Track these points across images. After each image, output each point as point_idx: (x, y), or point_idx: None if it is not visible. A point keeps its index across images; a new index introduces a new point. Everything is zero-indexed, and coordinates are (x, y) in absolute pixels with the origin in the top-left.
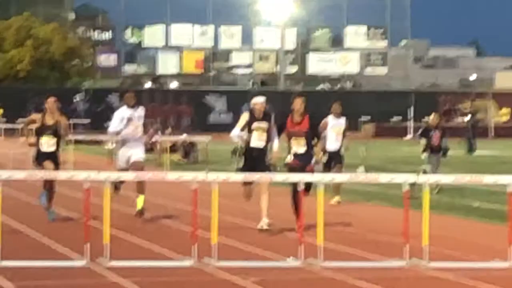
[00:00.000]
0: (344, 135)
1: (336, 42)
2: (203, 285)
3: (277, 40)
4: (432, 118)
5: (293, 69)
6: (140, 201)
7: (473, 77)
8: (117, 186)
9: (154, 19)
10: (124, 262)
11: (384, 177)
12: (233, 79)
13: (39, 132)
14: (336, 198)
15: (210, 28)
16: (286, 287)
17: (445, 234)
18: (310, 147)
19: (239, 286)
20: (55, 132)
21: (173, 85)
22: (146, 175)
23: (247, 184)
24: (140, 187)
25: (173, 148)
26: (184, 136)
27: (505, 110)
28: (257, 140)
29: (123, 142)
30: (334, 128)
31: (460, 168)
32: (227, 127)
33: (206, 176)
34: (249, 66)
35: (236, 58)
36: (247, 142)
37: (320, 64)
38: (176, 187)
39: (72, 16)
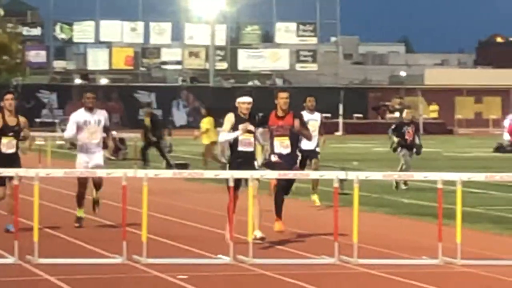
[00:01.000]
0: (320, 132)
1: (266, 39)
2: (132, 282)
3: (207, 36)
4: (405, 114)
5: (223, 65)
6: (81, 211)
7: (403, 73)
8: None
9: (84, 16)
10: (53, 260)
11: (314, 174)
12: (163, 75)
13: None
14: (315, 197)
15: (140, 25)
16: (215, 284)
17: (375, 231)
18: (295, 147)
19: (167, 282)
20: (17, 132)
21: (103, 81)
22: (76, 173)
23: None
24: (82, 200)
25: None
26: (113, 133)
27: (433, 107)
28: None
29: (81, 148)
30: (308, 124)
31: (390, 165)
32: None
33: (135, 172)
34: (179, 62)
35: (166, 54)
36: (234, 145)
37: (251, 60)
38: (106, 183)
39: (0, 12)
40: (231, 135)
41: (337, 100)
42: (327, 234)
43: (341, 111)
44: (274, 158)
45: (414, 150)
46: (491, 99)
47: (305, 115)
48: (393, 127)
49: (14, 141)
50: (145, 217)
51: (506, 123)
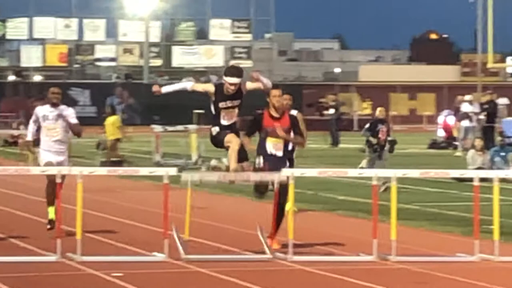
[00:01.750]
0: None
1: (201, 35)
2: (66, 280)
3: (141, 33)
4: (378, 112)
5: (157, 62)
6: (51, 211)
7: (337, 70)
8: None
9: (17, 12)
10: None
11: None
12: (97, 72)
13: None
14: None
15: (74, 21)
16: (150, 281)
17: (310, 227)
18: (287, 151)
19: (102, 280)
20: None
21: (37, 78)
22: (8, 170)
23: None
24: (52, 197)
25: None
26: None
27: (367, 103)
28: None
29: (43, 146)
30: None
31: (325, 161)
32: (91, 121)
33: (70, 170)
34: (113, 59)
35: (100, 51)
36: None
37: (185, 57)
38: (40, 181)
39: None
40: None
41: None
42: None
43: None
44: (259, 162)
45: (387, 148)
46: (425, 96)
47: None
48: (367, 126)
49: None
50: (80, 215)
51: (440, 119)
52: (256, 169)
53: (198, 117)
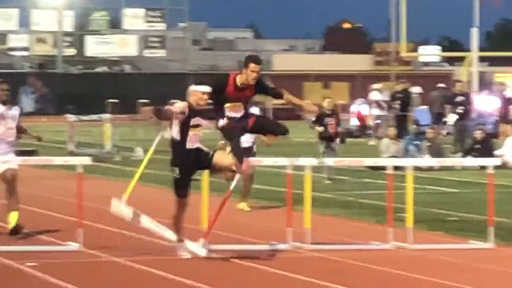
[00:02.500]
0: None
1: (114, 25)
2: None
3: (54, 22)
4: (326, 104)
5: (71, 51)
6: (13, 217)
7: None
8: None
9: None
10: None
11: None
12: (10, 61)
13: None
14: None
15: None
16: (64, 270)
17: (223, 216)
18: (247, 110)
19: (16, 270)
20: None
21: None
22: None
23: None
24: (14, 201)
25: None
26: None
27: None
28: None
29: None
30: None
31: None
32: None
33: None
34: (27, 48)
35: (13, 41)
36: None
37: (99, 46)
38: None
39: None
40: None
41: (185, 86)
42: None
43: None
44: (223, 122)
45: (338, 140)
46: (339, 85)
47: None
48: (313, 119)
49: None
50: None
51: (354, 108)
52: (223, 128)
53: (112, 106)
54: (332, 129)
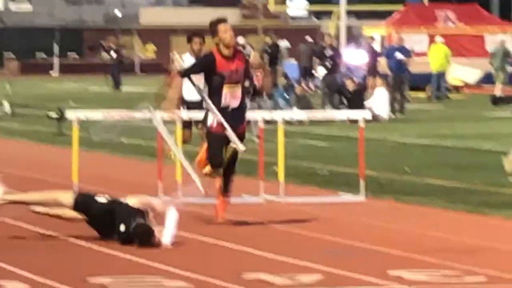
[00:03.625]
0: None
1: None
2: None
3: None
4: (252, 58)
5: None
6: None
7: (118, 13)
8: None
9: None
10: None
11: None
12: None
13: None
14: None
15: None
16: None
17: (95, 171)
18: (244, 98)
19: None
20: None
21: None
22: None
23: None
24: None
25: None
26: None
27: (150, 46)
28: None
29: None
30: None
31: (107, 105)
32: None
33: None
34: None
35: None
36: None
37: None
38: None
39: None
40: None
41: (52, 39)
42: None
43: (56, 51)
44: (212, 121)
45: (265, 94)
46: (207, 38)
47: (189, 60)
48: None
49: None
50: None
51: None
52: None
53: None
54: (258, 82)
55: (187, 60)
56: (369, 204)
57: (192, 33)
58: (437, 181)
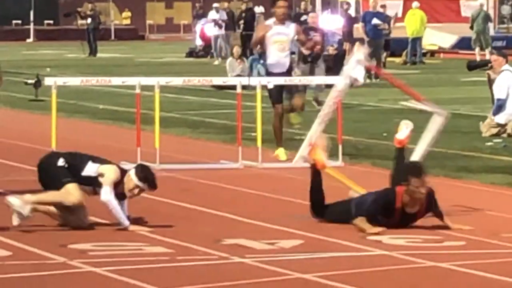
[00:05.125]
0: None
1: None
2: None
3: None
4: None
5: None
6: None
7: None
8: None
9: None
10: None
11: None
12: None
13: None
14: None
15: None
16: None
17: (73, 137)
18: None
19: None
20: None
21: None
22: None
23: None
24: None
25: None
26: None
27: (126, 14)
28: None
29: None
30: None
31: (84, 71)
32: None
33: None
34: None
35: None
36: None
37: None
38: None
39: None
40: None
41: (27, 6)
42: (21, 140)
43: (32, 18)
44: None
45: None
46: (182, 5)
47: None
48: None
49: None
50: None
51: (198, 28)
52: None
53: None
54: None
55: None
56: (347, 169)
57: None
58: (414, 146)
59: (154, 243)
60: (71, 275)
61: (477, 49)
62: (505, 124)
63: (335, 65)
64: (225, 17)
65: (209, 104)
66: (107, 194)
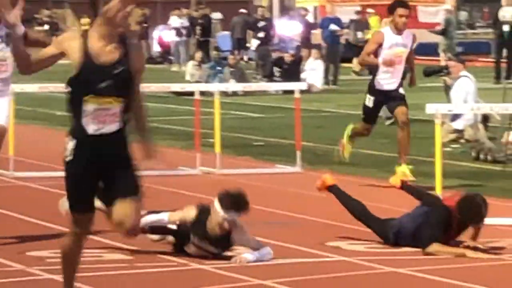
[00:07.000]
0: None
1: None
2: None
3: None
4: None
5: None
6: None
7: None
8: None
9: None
10: None
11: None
12: None
13: None
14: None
15: None
16: None
17: (30, 144)
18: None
19: None
20: None
21: None
22: None
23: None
24: None
25: None
26: None
27: (85, 20)
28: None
29: None
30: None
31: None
32: None
33: None
34: None
35: None
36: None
37: None
38: None
39: None
40: None
41: None
42: None
43: None
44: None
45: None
46: (138, 11)
47: (389, 36)
48: None
49: None
50: None
51: (155, 34)
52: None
53: None
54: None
55: (388, 35)
56: (305, 175)
57: (397, 2)
58: (372, 152)
59: (113, 250)
60: (30, 282)
61: (442, 54)
62: (463, 130)
63: (290, 70)
64: (187, 23)
65: (167, 110)
66: None
